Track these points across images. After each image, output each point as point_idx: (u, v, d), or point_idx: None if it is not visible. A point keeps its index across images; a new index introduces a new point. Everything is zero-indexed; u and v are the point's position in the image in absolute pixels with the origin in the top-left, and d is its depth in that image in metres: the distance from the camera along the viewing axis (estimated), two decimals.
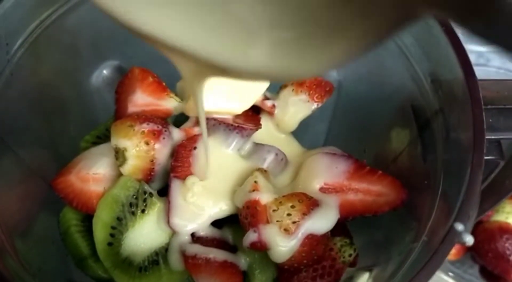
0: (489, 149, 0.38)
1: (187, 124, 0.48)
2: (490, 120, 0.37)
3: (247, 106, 0.47)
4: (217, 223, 0.44)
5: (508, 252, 0.69)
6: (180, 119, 0.50)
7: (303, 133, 0.57)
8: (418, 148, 0.40)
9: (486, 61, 0.94)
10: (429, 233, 0.31)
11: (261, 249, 0.39)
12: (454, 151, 0.34)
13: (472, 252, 0.75)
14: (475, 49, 0.93)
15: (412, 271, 0.30)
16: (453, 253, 0.76)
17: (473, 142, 0.31)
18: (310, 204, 0.41)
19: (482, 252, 0.72)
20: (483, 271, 0.76)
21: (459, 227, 0.28)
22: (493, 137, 0.37)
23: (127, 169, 0.42)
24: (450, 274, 0.75)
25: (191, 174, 0.43)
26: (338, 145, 0.48)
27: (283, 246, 0.38)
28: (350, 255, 0.42)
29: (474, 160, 0.30)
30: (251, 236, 0.39)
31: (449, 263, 0.77)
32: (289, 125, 0.49)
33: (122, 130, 0.43)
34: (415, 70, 0.41)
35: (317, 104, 0.47)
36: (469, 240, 0.28)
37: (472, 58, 1.00)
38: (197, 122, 0.47)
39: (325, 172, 0.43)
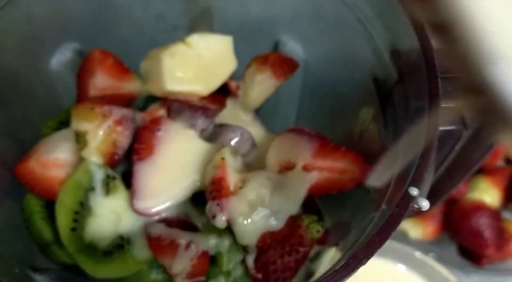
0: (451, 118, 0.38)
1: (152, 107, 0.47)
2: (449, 88, 0.37)
3: (212, 88, 0.47)
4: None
5: (482, 228, 0.70)
6: (149, 102, 0.49)
7: (273, 117, 0.57)
8: (381, 120, 0.40)
9: None
10: (388, 201, 0.31)
11: None
12: (412, 120, 0.34)
13: (449, 231, 0.76)
14: None
15: (370, 236, 0.30)
16: (430, 233, 0.76)
17: (428, 107, 0.30)
18: (277, 183, 0.41)
19: (457, 230, 0.72)
20: (461, 249, 0.76)
21: (414, 191, 0.27)
22: (453, 105, 0.37)
23: (88, 152, 0.42)
24: (430, 254, 0.76)
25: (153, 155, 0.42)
26: (308, 124, 0.48)
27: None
28: (317, 231, 0.41)
29: (429, 123, 0.30)
30: (213, 209, 0.39)
31: (427, 243, 0.78)
32: (254, 103, 0.49)
33: (82, 113, 0.42)
34: (375, 43, 0.40)
35: (281, 81, 0.47)
36: (425, 204, 0.27)
37: None
38: (163, 104, 0.47)
39: (289, 151, 0.43)
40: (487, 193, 0.74)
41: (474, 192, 0.74)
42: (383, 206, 0.31)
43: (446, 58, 0.21)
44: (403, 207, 0.27)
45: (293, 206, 0.41)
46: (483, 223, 0.69)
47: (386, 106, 0.39)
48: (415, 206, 0.28)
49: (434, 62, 0.32)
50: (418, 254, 0.74)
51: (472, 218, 0.70)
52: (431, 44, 0.33)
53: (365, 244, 0.26)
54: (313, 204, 0.46)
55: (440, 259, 0.75)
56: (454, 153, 0.44)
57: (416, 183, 0.28)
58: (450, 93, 0.37)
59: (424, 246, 0.78)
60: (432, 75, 0.31)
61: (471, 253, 0.73)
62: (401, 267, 0.73)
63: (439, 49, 0.34)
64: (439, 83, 0.32)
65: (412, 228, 0.75)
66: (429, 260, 0.74)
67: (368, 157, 0.40)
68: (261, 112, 0.52)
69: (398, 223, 0.26)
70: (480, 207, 0.71)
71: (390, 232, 0.26)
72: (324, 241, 0.44)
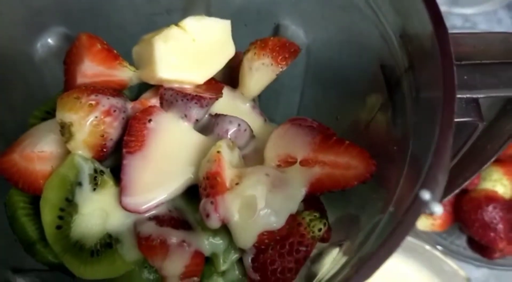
0: (466, 109, 0.35)
1: (144, 95, 0.44)
2: (465, 77, 0.33)
3: (208, 75, 0.44)
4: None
5: (495, 221, 0.67)
6: (141, 90, 0.46)
7: (274, 105, 0.54)
8: (389, 111, 0.37)
9: (473, 24, 0.90)
10: (396, 203, 0.28)
11: None
12: (423, 112, 0.31)
13: (459, 223, 0.73)
14: (461, 12, 0.89)
15: (377, 243, 0.27)
16: (440, 224, 0.74)
17: (442, 100, 0.27)
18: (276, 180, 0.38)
19: (469, 222, 0.70)
20: (471, 242, 0.73)
21: (426, 195, 0.24)
22: (469, 96, 0.34)
23: (74, 145, 0.39)
24: (437, 246, 0.73)
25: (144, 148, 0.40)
26: (311, 114, 0.45)
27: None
28: (320, 230, 0.39)
29: (444, 119, 0.26)
30: (207, 208, 0.36)
31: (436, 235, 0.75)
32: (253, 91, 0.46)
33: (67, 103, 0.39)
34: (383, 26, 0.37)
35: (282, 67, 0.44)
36: (438, 210, 0.24)
37: (458, 21, 0.96)
38: (155, 93, 0.44)
39: (289, 143, 0.40)
40: (500, 183, 0.70)
41: (486, 182, 0.70)
42: (390, 208, 0.28)
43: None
44: (414, 214, 0.24)
45: (292, 204, 0.38)
46: (496, 216, 0.66)
47: (395, 96, 0.36)
48: (426, 211, 0.24)
49: (449, 48, 0.28)
50: (426, 246, 0.71)
51: (485, 210, 0.67)
52: (446, 27, 0.29)
53: (370, 257, 0.23)
54: (315, 199, 0.43)
55: (449, 252, 0.73)
56: (468, 145, 0.40)
57: (428, 185, 0.24)
58: (466, 82, 0.33)
59: (433, 237, 0.75)
60: (447, 63, 0.28)
61: (482, 246, 0.70)
62: (408, 260, 0.71)
63: (454, 34, 0.31)
64: (455, 71, 0.28)
65: (420, 219, 0.72)
66: (438, 253, 0.71)
67: (375, 151, 0.37)
68: (261, 101, 0.49)
69: (408, 231, 0.23)
70: (492, 199, 0.68)
71: (399, 242, 0.23)
72: (327, 239, 0.41)
